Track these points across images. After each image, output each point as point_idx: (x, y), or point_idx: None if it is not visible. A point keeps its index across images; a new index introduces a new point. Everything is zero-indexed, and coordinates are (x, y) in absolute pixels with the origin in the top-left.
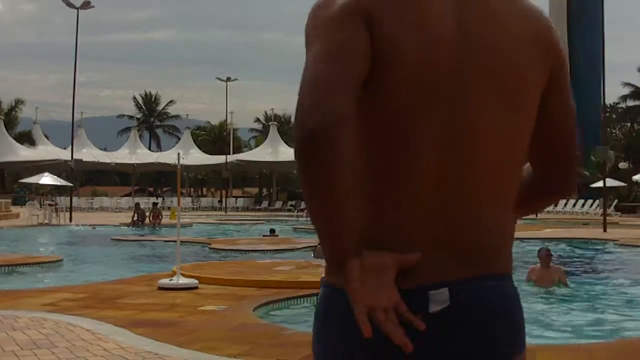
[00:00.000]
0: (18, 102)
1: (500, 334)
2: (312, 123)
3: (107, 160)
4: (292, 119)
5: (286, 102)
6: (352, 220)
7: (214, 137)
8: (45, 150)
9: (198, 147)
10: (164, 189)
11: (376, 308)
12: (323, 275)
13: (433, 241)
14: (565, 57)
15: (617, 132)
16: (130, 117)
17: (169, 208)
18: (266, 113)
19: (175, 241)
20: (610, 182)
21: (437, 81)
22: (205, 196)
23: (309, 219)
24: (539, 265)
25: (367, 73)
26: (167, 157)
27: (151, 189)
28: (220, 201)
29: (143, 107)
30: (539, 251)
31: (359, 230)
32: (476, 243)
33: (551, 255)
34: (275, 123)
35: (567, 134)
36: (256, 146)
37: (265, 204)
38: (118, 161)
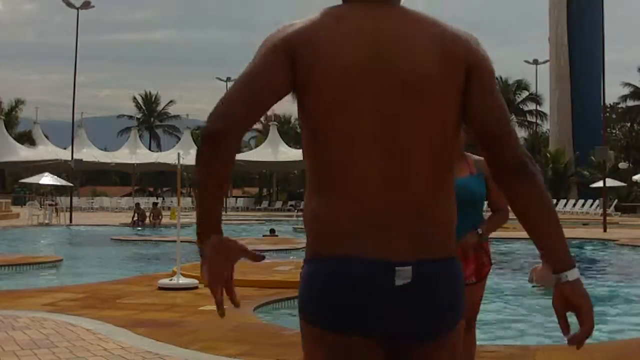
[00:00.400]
0: (18, 102)
1: (442, 307)
2: (211, 127)
3: (107, 160)
4: (292, 120)
5: (286, 103)
6: (216, 208)
7: None
8: (45, 150)
9: (198, 147)
10: (164, 189)
11: (213, 273)
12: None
13: (389, 231)
14: (482, 59)
15: (617, 132)
16: (130, 117)
17: (169, 208)
18: (266, 113)
19: (175, 241)
20: (610, 182)
21: (359, 101)
22: None
23: None
24: (541, 265)
25: (283, 93)
26: (167, 157)
27: (151, 189)
28: None
29: (143, 107)
30: None
31: (219, 217)
32: (427, 231)
33: None
34: (276, 123)
35: (494, 120)
36: (256, 146)
37: (265, 204)
38: (118, 161)
